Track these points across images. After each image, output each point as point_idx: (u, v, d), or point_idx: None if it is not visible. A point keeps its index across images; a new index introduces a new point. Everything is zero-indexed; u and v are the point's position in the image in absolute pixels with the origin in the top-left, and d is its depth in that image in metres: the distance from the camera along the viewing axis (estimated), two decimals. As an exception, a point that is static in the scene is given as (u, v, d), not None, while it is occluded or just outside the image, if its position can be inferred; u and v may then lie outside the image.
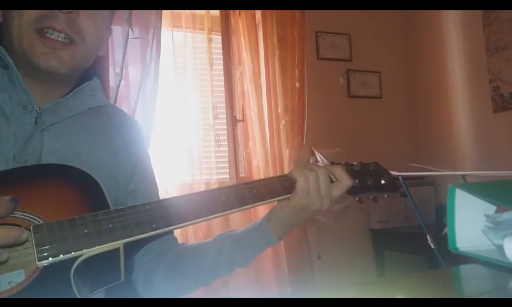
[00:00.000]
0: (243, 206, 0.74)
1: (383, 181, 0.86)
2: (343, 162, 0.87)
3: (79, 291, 0.61)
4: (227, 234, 0.86)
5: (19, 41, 0.74)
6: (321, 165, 0.85)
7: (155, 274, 0.86)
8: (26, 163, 0.74)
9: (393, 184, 0.87)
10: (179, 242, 0.93)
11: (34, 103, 0.77)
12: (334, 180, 0.81)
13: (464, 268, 0.71)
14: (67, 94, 0.82)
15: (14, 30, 0.73)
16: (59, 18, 0.74)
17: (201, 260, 0.84)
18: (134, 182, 0.88)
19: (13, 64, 0.75)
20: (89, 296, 0.64)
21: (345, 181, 0.80)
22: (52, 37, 0.74)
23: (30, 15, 0.73)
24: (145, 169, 0.92)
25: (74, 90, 0.82)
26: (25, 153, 0.74)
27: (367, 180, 0.85)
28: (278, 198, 0.77)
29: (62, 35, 0.74)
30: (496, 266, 0.67)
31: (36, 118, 0.77)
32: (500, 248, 0.67)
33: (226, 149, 2.44)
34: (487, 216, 0.73)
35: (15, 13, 0.73)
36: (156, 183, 0.94)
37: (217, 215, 0.72)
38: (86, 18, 0.77)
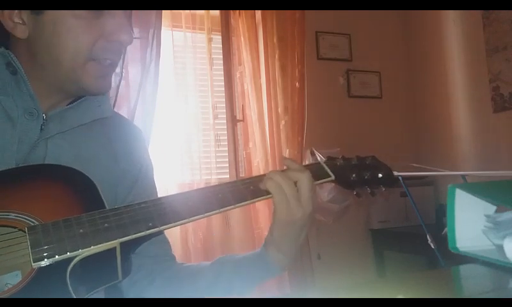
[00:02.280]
0: (240, 202, 0.73)
1: (380, 175, 0.85)
2: (340, 157, 0.86)
3: (75, 292, 0.60)
4: (228, 257, 0.83)
5: (73, 68, 0.74)
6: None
7: (148, 294, 0.82)
8: None
9: (390, 177, 0.86)
10: (179, 242, 0.92)
11: (40, 110, 0.76)
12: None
13: (464, 268, 0.71)
14: (72, 101, 0.81)
15: (68, 57, 0.73)
16: (114, 49, 0.76)
17: (199, 282, 0.81)
18: (135, 193, 0.86)
19: (22, 70, 0.74)
20: (86, 296, 0.64)
21: (301, 173, 0.75)
22: (106, 64, 0.77)
23: (89, 48, 0.73)
24: (147, 180, 0.90)
25: (81, 99, 0.81)
26: (28, 160, 0.74)
27: (364, 174, 0.84)
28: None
29: (111, 61, 0.78)
30: (496, 266, 0.67)
31: (41, 125, 0.76)
32: (500, 248, 0.67)
33: (226, 149, 2.44)
34: (487, 216, 0.73)
35: (68, 40, 0.72)
36: (157, 194, 0.92)
37: (213, 212, 0.71)
38: (128, 44, 0.79)
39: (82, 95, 0.82)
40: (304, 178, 0.74)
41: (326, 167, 0.82)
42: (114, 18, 0.74)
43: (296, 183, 0.74)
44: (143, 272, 0.84)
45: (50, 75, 0.76)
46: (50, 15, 0.72)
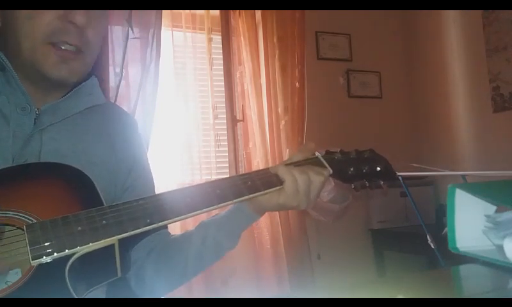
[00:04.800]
0: (238, 197, 0.74)
1: (378, 168, 0.84)
2: (338, 150, 0.85)
3: (74, 289, 0.60)
4: (209, 220, 0.86)
5: (31, 52, 0.74)
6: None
7: (146, 270, 0.86)
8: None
9: (389, 171, 0.85)
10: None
11: (32, 104, 0.77)
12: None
13: (464, 268, 0.71)
14: (65, 94, 0.82)
15: (25, 42, 0.74)
16: (72, 31, 0.75)
17: (187, 250, 0.84)
18: (131, 178, 0.89)
19: (10, 67, 0.75)
20: (86, 293, 0.64)
21: (324, 173, 0.79)
22: (64, 47, 0.75)
23: (43, 29, 0.73)
24: (142, 166, 0.93)
25: (72, 90, 0.82)
26: (24, 154, 0.75)
27: (363, 167, 0.84)
28: (273, 189, 0.77)
29: (73, 47, 0.76)
30: (496, 266, 0.67)
31: (34, 119, 0.78)
32: (500, 248, 0.67)
33: (226, 149, 2.44)
34: (487, 216, 0.73)
35: (26, 24, 0.73)
36: (153, 180, 0.95)
37: (212, 207, 0.71)
38: (92, 28, 0.78)
39: (72, 87, 0.82)
40: (319, 180, 0.77)
41: (324, 161, 0.82)
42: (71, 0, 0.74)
43: (309, 178, 0.77)
44: (141, 252, 0.87)
45: (18, 64, 0.76)
46: None
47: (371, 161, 0.85)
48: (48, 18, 0.73)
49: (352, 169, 0.83)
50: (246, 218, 0.83)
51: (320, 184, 0.77)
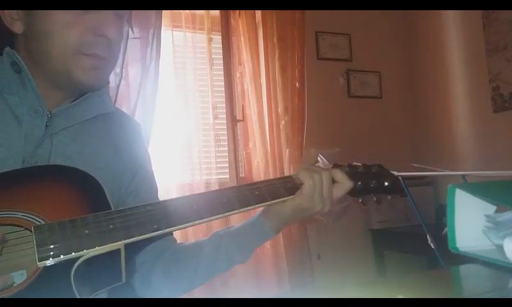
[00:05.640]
0: (245, 207, 0.74)
1: (386, 183, 0.85)
2: (346, 164, 0.86)
3: (79, 292, 0.60)
4: (223, 231, 0.86)
5: (63, 61, 0.76)
6: (322, 166, 0.85)
7: (153, 274, 0.86)
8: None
9: (396, 186, 0.86)
10: (179, 242, 0.93)
11: (45, 107, 0.78)
12: (335, 181, 0.81)
13: (464, 268, 0.71)
14: (75, 99, 0.83)
15: (57, 51, 0.75)
16: (102, 44, 0.77)
17: (199, 258, 0.84)
18: (135, 183, 0.89)
19: (26, 69, 0.76)
20: (90, 297, 0.64)
21: (345, 183, 0.80)
22: (95, 57, 0.78)
23: (75, 42, 0.75)
24: (146, 171, 0.93)
25: (84, 96, 0.83)
26: (35, 156, 0.76)
27: (370, 182, 0.84)
28: (280, 200, 0.77)
29: (102, 57, 0.79)
30: (496, 266, 0.67)
31: (46, 122, 0.78)
32: (500, 248, 0.67)
33: (226, 149, 2.44)
34: (487, 216, 0.73)
35: (57, 34, 0.74)
36: (156, 185, 0.95)
37: (218, 216, 0.72)
38: (116, 40, 0.80)
39: (83, 92, 0.83)
40: (326, 178, 0.78)
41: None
42: (101, 14, 0.76)
43: (323, 179, 0.77)
44: (148, 255, 0.87)
45: (43, 69, 0.77)
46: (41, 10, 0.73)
47: (379, 176, 0.86)
48: (79, 30, 0.75)
49: (360, 183, 0.84)
50: (262, 234, 0.82)
51: (328, 180, 0.78)
